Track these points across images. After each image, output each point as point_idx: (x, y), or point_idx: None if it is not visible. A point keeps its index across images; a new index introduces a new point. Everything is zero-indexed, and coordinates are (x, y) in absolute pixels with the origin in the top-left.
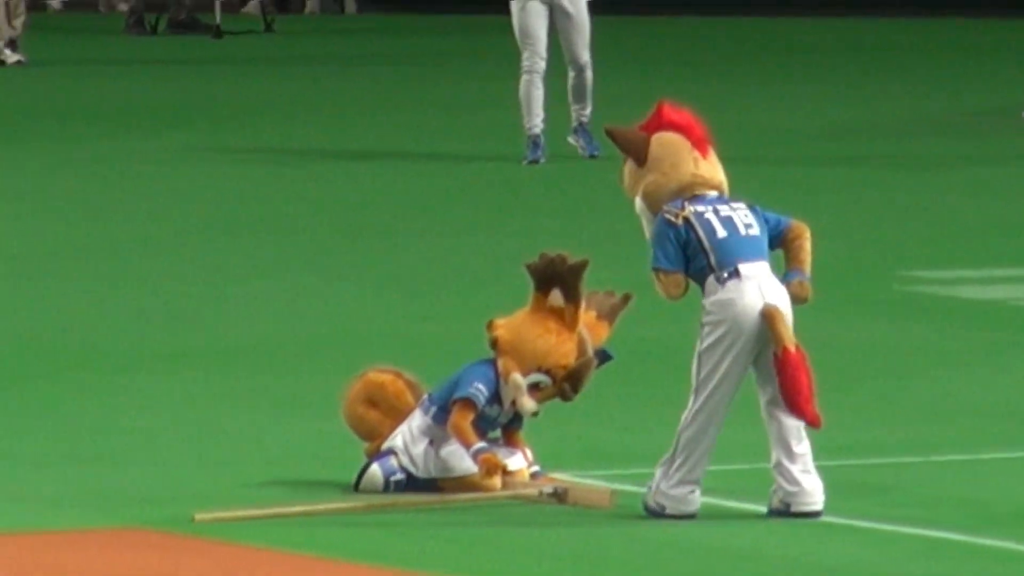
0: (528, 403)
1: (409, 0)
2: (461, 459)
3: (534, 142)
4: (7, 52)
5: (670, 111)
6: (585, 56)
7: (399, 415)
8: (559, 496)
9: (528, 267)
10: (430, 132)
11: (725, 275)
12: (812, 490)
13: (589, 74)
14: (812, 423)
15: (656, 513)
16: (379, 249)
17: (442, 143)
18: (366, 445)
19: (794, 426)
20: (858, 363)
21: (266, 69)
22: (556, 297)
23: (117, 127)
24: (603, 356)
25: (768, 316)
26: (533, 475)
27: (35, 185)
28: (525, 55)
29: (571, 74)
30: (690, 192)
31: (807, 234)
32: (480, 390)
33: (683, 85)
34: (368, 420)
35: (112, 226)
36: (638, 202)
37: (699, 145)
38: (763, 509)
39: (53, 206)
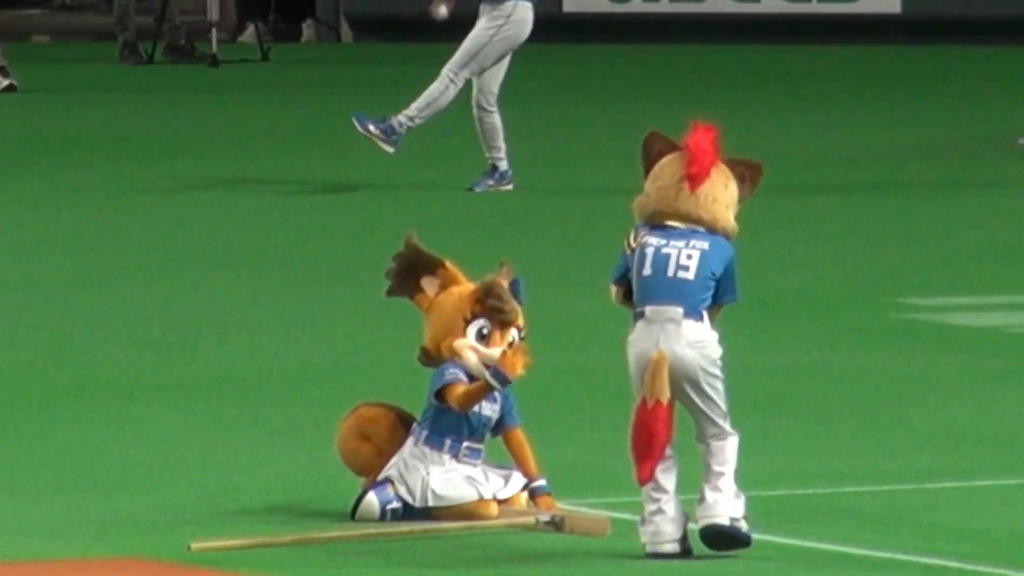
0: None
1: (405, 29)
2: (455, 487)
3: (486, 171)
4: None
5: (694, 134)
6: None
7: (392, 448)
8: (556, 524)
9: (389, 293)
10: (426, 161)
11: (636, 313)
12: (712, 502)
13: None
14: (638, 478)
15: (644, 547)
16: (375, 278)
17: (439, 172)
18: (363, 480)
19: (718, 448)
20: (853, 391)
21: (263, 98)
22: (429, 283)
23: (113, 156)
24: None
25: (649, 362)
26: (533, 492)
27: (30, 215)
28: None
29: None
30: (659, 220)
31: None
32: (454, 373)
33: (679, 113)
34: (362, 455)
35: (108, 256)
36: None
37: (693, 177)
38: (763, 537)
39: (48, 236)
